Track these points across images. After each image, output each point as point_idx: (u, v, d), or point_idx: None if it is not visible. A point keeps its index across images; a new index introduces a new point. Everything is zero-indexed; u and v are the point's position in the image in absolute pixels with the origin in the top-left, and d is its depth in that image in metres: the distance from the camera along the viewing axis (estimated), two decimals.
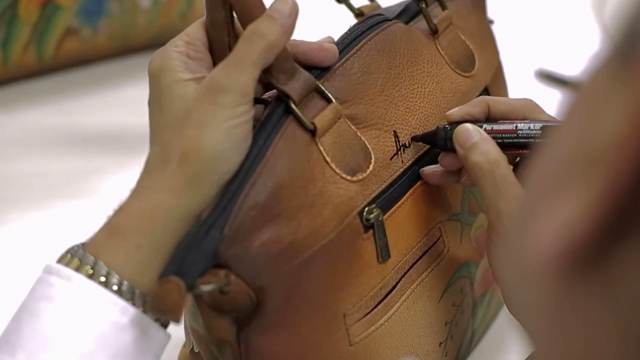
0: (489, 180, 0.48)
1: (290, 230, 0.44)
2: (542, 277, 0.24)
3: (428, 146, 0.53)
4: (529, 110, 0.52)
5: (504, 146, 0.50)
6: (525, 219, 0.25)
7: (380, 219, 0.48)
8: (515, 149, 0.50)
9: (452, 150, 0.50)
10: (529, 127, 0.50)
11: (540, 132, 0.50)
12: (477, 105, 0.52)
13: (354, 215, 0.47)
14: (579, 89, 0.24)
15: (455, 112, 0.52)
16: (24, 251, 0.73)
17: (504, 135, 0.50)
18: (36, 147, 0.86)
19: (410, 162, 0.52)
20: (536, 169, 0.26)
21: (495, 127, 0.50)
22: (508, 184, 0.48)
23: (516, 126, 0.50)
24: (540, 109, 0.52)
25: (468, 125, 0.50)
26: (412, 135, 0.52)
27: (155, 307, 0.40)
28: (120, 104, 0.92)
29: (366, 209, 0.48)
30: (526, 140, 0.50)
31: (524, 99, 0.53)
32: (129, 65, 0.99)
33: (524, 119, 0.51)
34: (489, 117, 0.52)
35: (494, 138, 0.50)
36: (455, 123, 0.51)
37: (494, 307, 0.63)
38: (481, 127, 0.50)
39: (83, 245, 0.44)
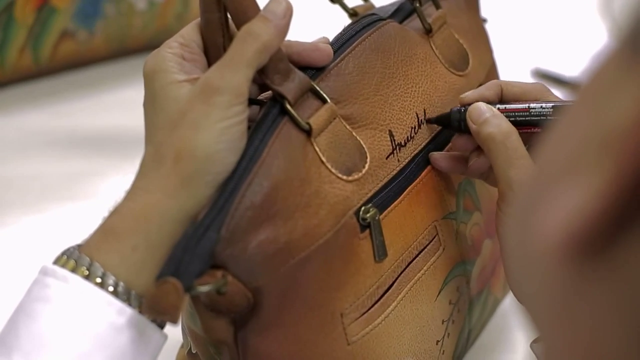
0: (501, 151, 0.49)
1: (287, 231, 0.44)
2: (548, 263, 0.24)
3: (424, 145, 0.53)
4: (540, 93, 0.53)
5: (516, 124, 0.51)
6: (533, 204, 0.25)
7: (376, 218, 0.48)
8: (528, 127, 0.51)
9: (466, 132, 0.52)
10: (542, 106, 0.51)
11: (552, 110, 0.51)
12: (490, 88, 0.54)
13: (350, 214, 0.47)
14: (590, 77, 0.24)
15: (468, 94, 0.53)
16: (22, 253, 0.73)
17: (516, 114, 0.52)
18: (33, 149, 0.86)
19: (406, 161, 0.52)
20: (545, 153, 0.26)
21: (508, 106, 0.52)
22: (519, 155, 0.49)
23: (529, 105, 0.52)
24: (552, 92, 0.54)
25: (480, 104, 0.52)
26: (406, 133, 0.52)
27: (153, 309, 0.41)
28: (117, 106, 0.92)
29: (362, 208, 0.48)
30: (538, 118, 0.51)
31: (536, 83, 0.54)
32: (126, 67, 0.99)
33: (535, 100, 0.53)
34: (502, 100, 0.54)
35: (506, 117, 0.51)
36: (469, 105, 0.52)
37: (490, 305, 0.63)
38: (494, 106, 0.52)
39: (79, 246, 0.44)
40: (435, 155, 0.54)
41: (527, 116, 0.51)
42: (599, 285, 0.23)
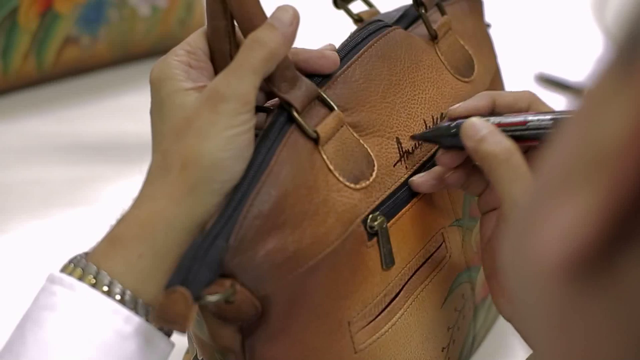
0: (504, 169, 0.46)
1: (295, 239, 0.44)
2: (545, 281, 0.24)
3: (433, 151, 0.53)
4: (530, 100, 0.51)
5: (513, 139, 0.47)
6: (529, 223, 0.25)
7: (384, 226, 0.48)
8: (525, 141, 0.49)
9: (456, 147, 0.49)
10: (539, 119, 0.48)
11: (550, 123, 0.48)
12: (482, 99, 0.51)
13: (358, 222, 0.47)
14: (583, 93, 0.24)
15: (458, 107, 0.51)
16: (25, 259, 0.73)
17: (513, 128, 0.48)
18: (36, 155, 0.86)
19: (414, 168, 0.52)
20: (541, 170, 0.26)
21: (504, 120, 0.49)
22: (523, 172, 0.46)
23: (525, 119, 0.48)
24: (541, 100, 0.52)
25: (475, 119, 0.48)
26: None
27: (162, 318, 0.40)
28: (120, 111, 0.92)
29: (370, 216, 0.48)
30: (536, 131, 0.48)
31: (524, 90, 0.52)
32: (129, 73, 0.99)
33: (528, 107, 0.50)
34: (495, 111, 0.51)
35: (503, 132, 0.48)
36: (460, 119, 0.50)
37: (494, 311, 0.63)
38: (488, 121, 0.49)
39: (86, 254, 0.44)
40: (416, 181, 0.51)
41: (524, 130, 0.48)
42: (595, 301, 0.23)
